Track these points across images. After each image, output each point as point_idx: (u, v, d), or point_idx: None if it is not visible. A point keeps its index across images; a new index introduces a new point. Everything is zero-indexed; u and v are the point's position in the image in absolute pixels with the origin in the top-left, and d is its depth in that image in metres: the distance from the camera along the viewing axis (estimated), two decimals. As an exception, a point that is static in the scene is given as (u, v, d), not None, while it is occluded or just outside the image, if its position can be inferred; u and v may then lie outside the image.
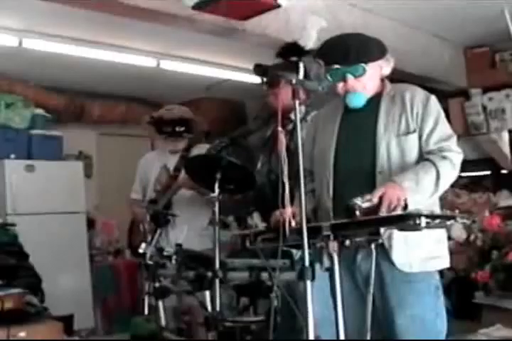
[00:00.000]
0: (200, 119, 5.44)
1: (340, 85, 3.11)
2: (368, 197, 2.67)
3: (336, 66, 3.04)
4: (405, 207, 2.72)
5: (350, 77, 3.08)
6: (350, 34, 3.27)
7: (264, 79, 3.85)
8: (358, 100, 3.13)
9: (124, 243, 7.59)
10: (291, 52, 3.33)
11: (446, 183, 2.95)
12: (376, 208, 2.66)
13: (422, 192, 2.85)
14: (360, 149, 3.11)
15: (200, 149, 4.77)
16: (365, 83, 3.11)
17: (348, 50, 3.07)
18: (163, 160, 5.18)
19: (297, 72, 2.66)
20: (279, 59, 3.42)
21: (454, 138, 3.06)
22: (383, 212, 2.64)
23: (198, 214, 4.98)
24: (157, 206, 4.85)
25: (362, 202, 2.62)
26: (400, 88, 3.21)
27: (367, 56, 3.09)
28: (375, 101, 3.16)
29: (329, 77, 3.00)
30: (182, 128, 5.08)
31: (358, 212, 2.58)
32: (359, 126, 3.17)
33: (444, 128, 3.08)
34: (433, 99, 3.12)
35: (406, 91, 3.16)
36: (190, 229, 4.69)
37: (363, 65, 3.07)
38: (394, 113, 3.08)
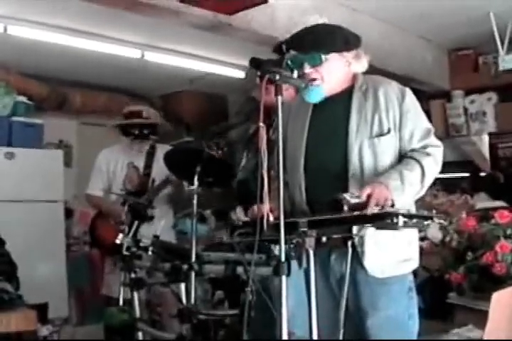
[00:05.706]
0: (163, 121, 5.76)
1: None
2: (356, 193, 2.65)
3: (293, 52, 2.87)
4: (392, 207, 2.67)
5: (306, 66, 2.91)
6: (320, 24, 3.18)
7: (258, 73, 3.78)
8: (314, 94, 2.97)
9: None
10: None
11: (430, 180, 2.91)
12: (363, 206, 2.60)
13: (408, 192, 2.82)
14: (331, 152, 3.01)
15: (163, 148, 4.86)
16: (323, 75, 2.95)
17: (304, 36, 2.97)
18: (128, 157, 5.27)
19: (287, 69, 2.66)
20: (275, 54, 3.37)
21: (432, 131, 3.02)
22: (373, 209, 2.57)
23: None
24: (141, 200, 4.86)
25: (350, 198, 2.61)
26: (372, 81, 3.07)
27: (326, 45, 2.95)
28: (345, 96, 3.03)
29: (290, 64, 2.78)
30: (148, 131, 5.21)
31: (345, 207, 2.57)
32: (330, 124, 3.06)
33: (424, 123, 3.03)
34: (408, 93, 3.01)
35: (379, 86, 3.02)
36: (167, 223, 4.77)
37: (321, 54, 2.92)
38: (366, 111, 2.97)
